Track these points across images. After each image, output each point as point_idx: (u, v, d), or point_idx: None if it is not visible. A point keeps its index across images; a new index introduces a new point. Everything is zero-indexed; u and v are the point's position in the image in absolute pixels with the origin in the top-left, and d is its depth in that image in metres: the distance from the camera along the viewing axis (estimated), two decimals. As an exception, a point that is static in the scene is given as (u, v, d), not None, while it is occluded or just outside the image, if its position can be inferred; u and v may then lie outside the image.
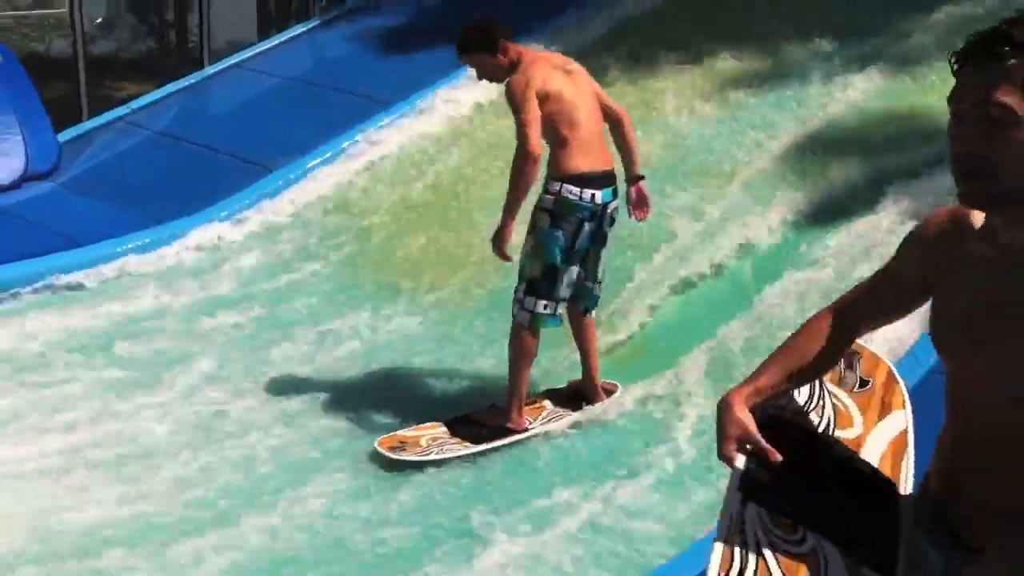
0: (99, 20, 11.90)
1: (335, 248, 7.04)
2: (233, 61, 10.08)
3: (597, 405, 5.07)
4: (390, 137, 8.10)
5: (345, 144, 8.10)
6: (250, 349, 5.88)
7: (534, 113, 4.55)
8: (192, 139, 8.72)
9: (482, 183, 7.32)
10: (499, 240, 4.76)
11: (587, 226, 4.70)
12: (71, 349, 5.87)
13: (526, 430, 4.89)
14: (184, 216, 7.33)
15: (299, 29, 10.68)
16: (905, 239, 2.09)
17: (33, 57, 11.14)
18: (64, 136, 8.84)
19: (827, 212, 6.26)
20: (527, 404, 4.99)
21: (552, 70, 4.71)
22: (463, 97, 8.39)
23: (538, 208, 4.75)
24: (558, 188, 4.66)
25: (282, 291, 6.60)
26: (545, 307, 4.76)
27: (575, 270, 4.79)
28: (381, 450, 4.73)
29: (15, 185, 8.00)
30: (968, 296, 1.86)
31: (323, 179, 7.83)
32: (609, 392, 5.15)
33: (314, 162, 7.96)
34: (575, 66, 4.85)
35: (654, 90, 8.13)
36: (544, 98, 4.59)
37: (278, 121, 8.77)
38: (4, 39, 10.62)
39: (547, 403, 5.12)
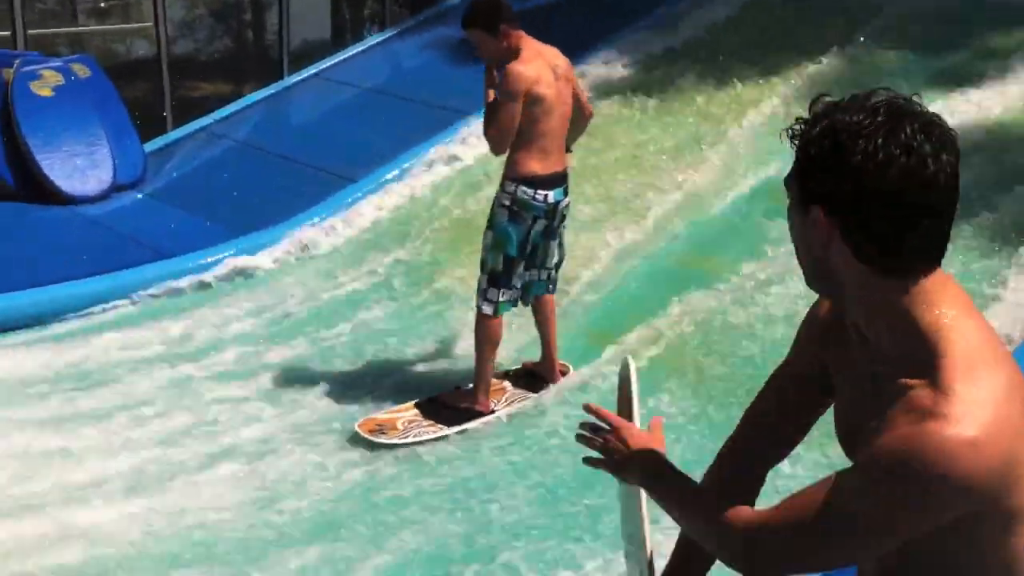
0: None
1: (411, 257, 7.13)
2: (312, 71, 10.26)
3: (552, 386, 5.42)
4: (468, 148, 8.18)
5: (423, 155, 8.21)
6: (318, 357, 6.04)
7: (513, 118, 4.85)
8: (273, 149, 8.91)
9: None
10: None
11: (539, 223, 5.08)
12: (160, 358, 6.04)
13: (492, 412, 5.24)
14: (265, 227, 7.48)
15: (376, 39, 10.84)
16: (801, 323, 1.91)
17: (114, 59, 11.37)
18: (149, 147, 9.08)
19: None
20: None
21: (547, 71, 4.94)
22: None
23: (497, 204, 5.11)
24: (514, 189, 5.01)
25: (349, 301, 6.72)
26: (503, 295, 5.13)
27: (523, 264, 5.17)
28: (362, 432, 5.05)
29: (103, 196, 8.23)
30: (845, 392, 1.75)
31: (401, 190, 7.94)
32: (563, 373, 5.51)
33: (392, 173, 8.08)
34: (564, 67, 5.08)
35: (721, 102, 8.14)
36: (530, 101, 4.87)
37: (356, 131, 8.93)
38: (86, 41, 10.91)
39: (507, 384, 5.47)
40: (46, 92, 8.38)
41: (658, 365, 5.46)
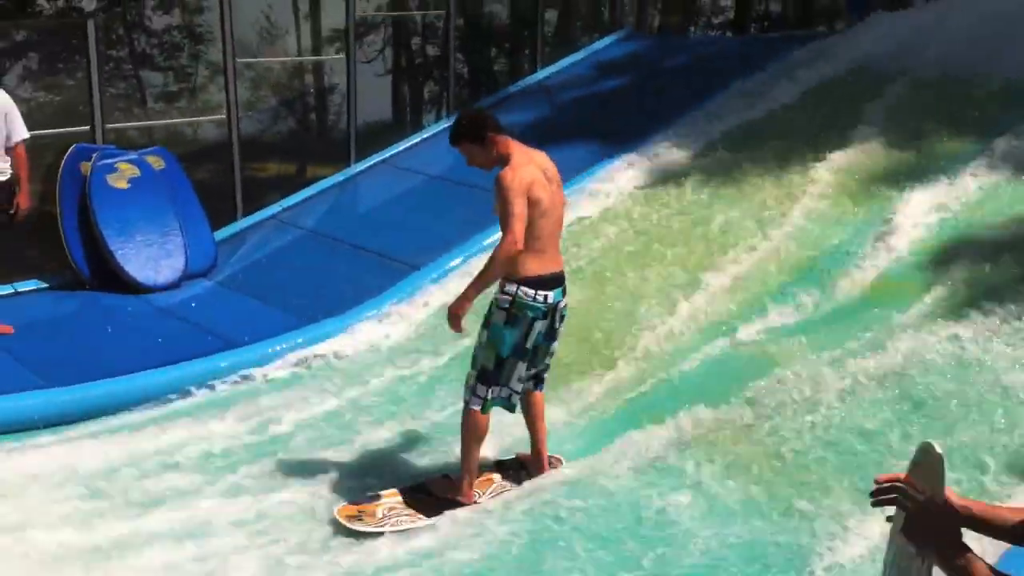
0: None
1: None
2: (378, 158, 10.50)
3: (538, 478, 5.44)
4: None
5: (486, 242, 8.30)
6: (373, 446, 6.04)
7: (522, 209, 4.87)
8: (339, 237, 9.10)
9: (636, 274, 7.47)
10: (458, 314, 5.06)
11: (539, 324, 5.10)
12: (233, 448, 6.10)
13: (475, 503, 5.27)
14: (331, 315, 7.60)
15: (440, 125, 11.06)
16: None
17: (186, 145, 11.69)
18: (220, 235, 9.32)
19: (986, 321, 6.00)
20: (477, 477, 5.38)
21: (539, 174, 5.02)
22: (605, 190, 8.66)
23: (494, 306, 5.12)
24: (515, 289, 5.02)
25: (422, 386, 6.77)
26: (492, 392, 5.15)
27: (523, 365, 5.16)
28: (340, 519, 5.10)
29: (176, 285, 8.45)
30: None
31: (464, 277, 8.03)
32: (553, 466, 5.54)
33: (456, 261, 8.18)
34: (552, 171, 5.17)
35: (780, 185, 8.18)
36: (531, 203, 4.91)
37: (421, 218, 9.08)
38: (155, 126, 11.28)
39: (496, 476, 5.50)
40: (122, 184, 8.67)
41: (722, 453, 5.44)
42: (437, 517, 5.14)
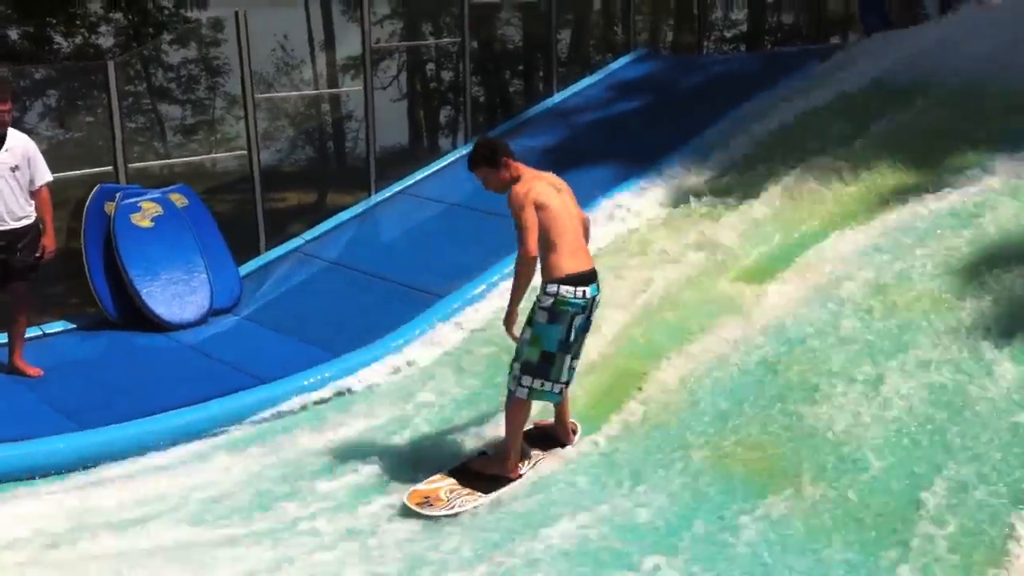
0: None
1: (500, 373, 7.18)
2: (398, 187, 10.54)
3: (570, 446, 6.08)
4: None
5: (509, 268, 8.31)
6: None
7: (532, 219, 5.44)
8: (362, 268, 9.14)
9: (658, 296, 7.48)
10: (509, 324, 5.70)
11: (578, 319, 5.58)
12: (270, 483, 6.11)
13: (520, 476, 5.80)
14: (356, 347, 7.62)
15: (458, 153, 11.10)
16: None
17: (208, 180, 11.76)
18: (244, 269, 9.38)
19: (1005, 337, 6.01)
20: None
21: (547, 187, 5.60)
22: (625, 212, 8.67)
23: (537, 306, 5.60)
24: (556, 289, 5.51)
25: (439, 419, 6.73)
26: (542, 385, 5.68)
27: (568, 357, 5.69)
28: (411, 506, 5.55)
29: (202, 321, 8.50)
30: None
31: (490, 304, 8.05)
32: (573, 431, 6.13)
33: (479, 288, 8.20)
34: (564, 185, 5.77)
35: (809, 202, 8.18)
36: (540, 208, 5.48)
37: (443, 247, 9.11)
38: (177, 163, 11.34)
39: (525, 446, 5.93)
40: (146, 223, 8.74)
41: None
42: (494, 494, 5.62)
